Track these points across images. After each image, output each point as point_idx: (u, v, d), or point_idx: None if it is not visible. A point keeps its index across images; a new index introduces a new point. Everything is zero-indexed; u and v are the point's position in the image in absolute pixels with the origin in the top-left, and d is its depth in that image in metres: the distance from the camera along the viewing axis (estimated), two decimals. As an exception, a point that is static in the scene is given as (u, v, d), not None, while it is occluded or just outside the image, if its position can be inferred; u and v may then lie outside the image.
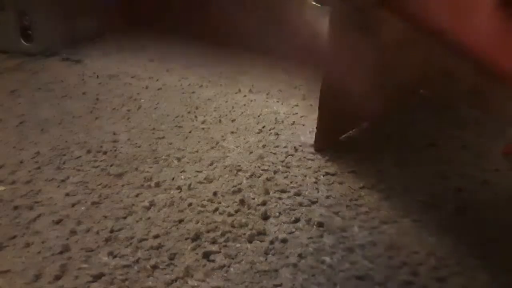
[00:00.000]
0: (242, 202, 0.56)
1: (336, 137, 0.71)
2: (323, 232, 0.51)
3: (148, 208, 0.55)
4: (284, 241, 0.50)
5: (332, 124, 0.68)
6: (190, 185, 0.59)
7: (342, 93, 0.66)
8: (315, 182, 0.61)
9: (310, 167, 0.64)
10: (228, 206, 0.55)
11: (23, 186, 0.59)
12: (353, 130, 0.74)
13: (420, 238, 0.51)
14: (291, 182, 0.60)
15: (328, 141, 0.69)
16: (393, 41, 0.72)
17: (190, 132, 0.74)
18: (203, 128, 0.75)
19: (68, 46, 1.14)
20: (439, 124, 0.76)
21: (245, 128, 0.75)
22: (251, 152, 0.68)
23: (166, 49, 1.16)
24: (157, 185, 0.60)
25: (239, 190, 0.59)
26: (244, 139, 0.72)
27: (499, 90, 0.74)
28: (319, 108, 0.65)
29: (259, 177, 0.62)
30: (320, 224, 0.52)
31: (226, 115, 0.80)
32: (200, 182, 0.60)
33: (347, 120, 0.71)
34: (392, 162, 0.65)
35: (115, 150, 0.68)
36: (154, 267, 0.46)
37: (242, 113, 0.81)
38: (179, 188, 0.59)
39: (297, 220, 0.53)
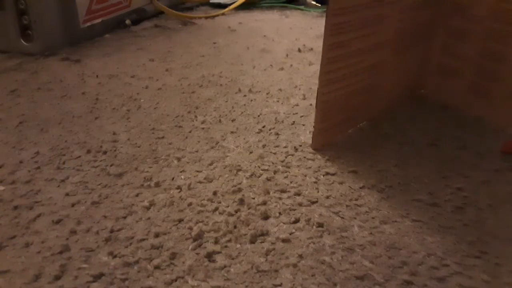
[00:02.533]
0: (242, 201, 0.56)
1: (334, 137, 0.71)
2: (322, 232, 0.51)
3: (148, 208, 0.55)
4: (284, 241, 0.50)
5: (329, 124, 0.68)
6: (190, 184, 0.59)
7: (340, 93, 0.67)
8: (315, 182, 0.61)
9: (310, 167, 0.64)
10: (228, 206, 0.55)
11: (23, 186, 0.59)
12: (353, 130, 0.74)
13: (420, 238, 0.51)
14: (291, 182, 0.60)
15: (326, 141, 0.69)
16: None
17: (190, 132, 0.74)
18: (203, 128, 0.75)
19: (67, 46, 1.14)
20: (439, 124, 0.76)
21: (245, 128, 0.75)
22: (251, 152, 0.68)
23: (166, 49, 1.16)
24: (157, 185, 0.60)
25: (239, 190, 0.59)
26: (244, 139, 0.72)
27: (499, 90, 0.74)
28: (316, 107, 0.65)
29: (259, 177, 0.62)
30: (320, 224, 0.52)
31: (226, 115, 0.80)
32: (200, 182, 0.60)
33: (345, 120, 0.71)
34: (392, 162, 0.65)
35: (115, 150, 0.68)
36: (154, 266, 0.46)
37: (242, 113, 0.81)
38: (179, 188, 0.59)
39: (297, 220, 0.53)
